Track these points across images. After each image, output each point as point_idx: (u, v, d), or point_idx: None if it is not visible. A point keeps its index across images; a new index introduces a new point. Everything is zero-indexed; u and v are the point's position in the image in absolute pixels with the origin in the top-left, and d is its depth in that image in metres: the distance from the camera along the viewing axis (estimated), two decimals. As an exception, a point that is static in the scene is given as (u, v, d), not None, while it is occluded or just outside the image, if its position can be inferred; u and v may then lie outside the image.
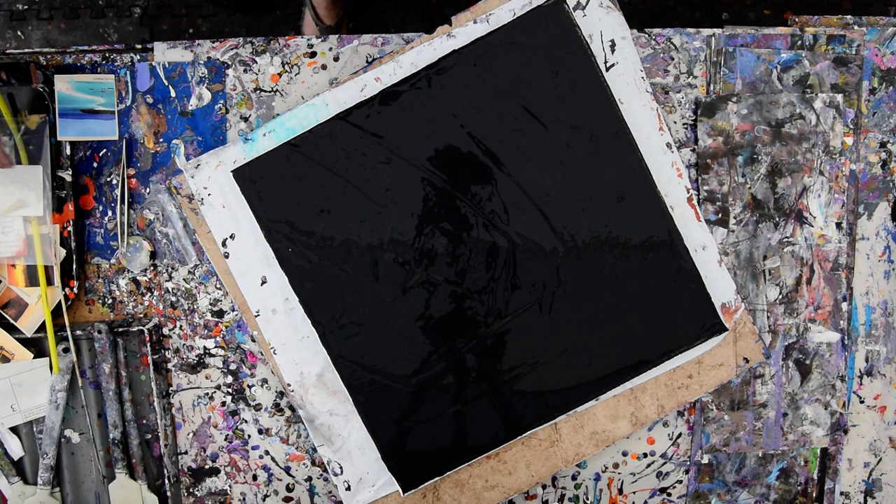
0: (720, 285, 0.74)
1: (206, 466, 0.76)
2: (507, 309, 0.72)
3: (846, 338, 0.77)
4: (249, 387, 0.75)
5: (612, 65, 0.72)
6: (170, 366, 0.75)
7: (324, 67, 0.74)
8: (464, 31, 0.72)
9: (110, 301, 0.75)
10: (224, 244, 0.72)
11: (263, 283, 0.72)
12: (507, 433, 0.73)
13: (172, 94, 0.73)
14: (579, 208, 0.72)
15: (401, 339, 0.72)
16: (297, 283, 0.72)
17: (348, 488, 0.74)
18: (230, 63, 0.73)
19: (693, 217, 0.73)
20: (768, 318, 0.76)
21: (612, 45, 0.72)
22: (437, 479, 0.74)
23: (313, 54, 0.73)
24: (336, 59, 0.74)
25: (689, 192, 0.73)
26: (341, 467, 0.74)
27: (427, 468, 0.73)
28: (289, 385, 0.73)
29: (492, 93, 0.71)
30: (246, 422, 0.76)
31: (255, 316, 0.73)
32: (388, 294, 0.72)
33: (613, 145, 0.71)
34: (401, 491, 0.74)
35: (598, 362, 0.73)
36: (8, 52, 0.73)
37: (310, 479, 0.77)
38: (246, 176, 0.71)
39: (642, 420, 0.75)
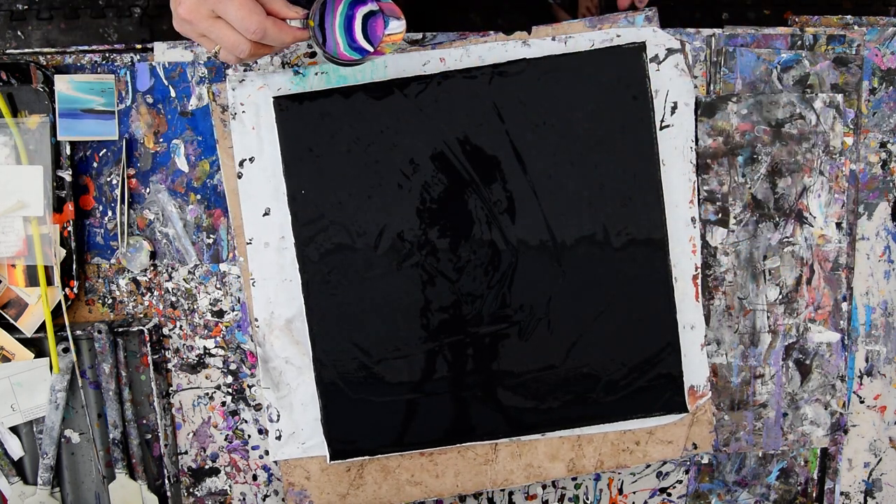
0: (696, 367, 0.75)
1: (206, 466, 0.76)
2: (492, 320, 0.72)
3: (846, 338, 0.77)
4: (249, 387, 0.75)
5: (668, 126, 0.73)
6: (170, 366, 0.75)
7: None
8: (539, 43, 0.72)
9: (110, 301, 0.75)
10: (241, 164, 0.72)
11: (266, 214, 0.72)
12: (454, 437, 0.73)
13: (172, 94, 0.73)
14: (590, 247, 0.72)
15: (380, 315, 0.72)
16: (299, 225, 0.71)
17: (279, 437, 0.74)
18: (230, 63, 0.73)
19: (692, 295, 0.74)
20: (768, 318, 0.76)
21: (674, 108, 0.73)
22: (367, 458, 0.74)
23: (313, 54, 0.73)
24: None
25: (696, 270, 0.74)
26: (279, 415, 0.74)
27: (362, 445, 0.73)
28: (256, 320, 0.73)
29: (544, 109, 0.71)
30: (246, 422, 0.76)
31: (247, 243, 0.73)
32: (382, 267, 0.72)
33: (643, 200, 0.71)
34: (328, 457, 0.73)
35: (558, 398, 0.73)
36: (8, 52, 0.73)
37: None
38: (286, 106, 0.70)
39: (578, 468, 0.75)
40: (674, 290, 0.73)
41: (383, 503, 0.75)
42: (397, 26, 0.61)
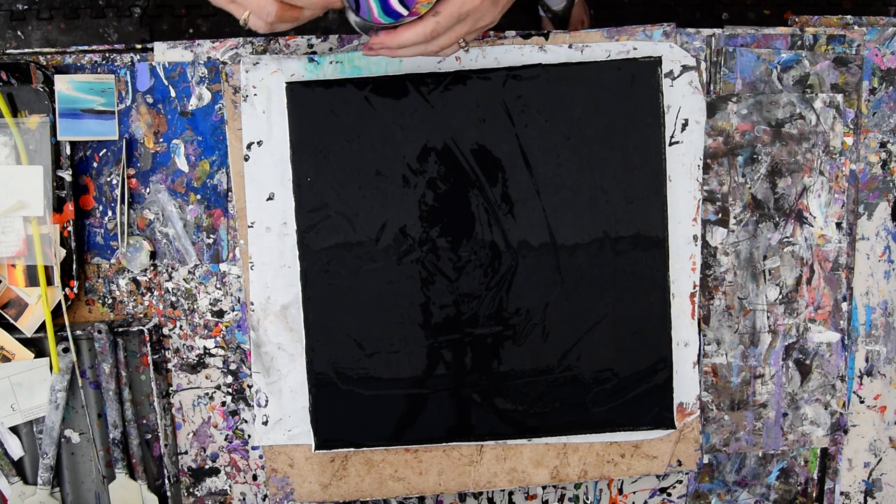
0: (687, 384, 0.75)
1: (206, 466, 0.76)
2: (488, 322, 0.72)
3: (846, 338, 0.77)
4: (249, 387, 0.75)
5: (677, 142, 0.73)
6: (170, 366, 0.75)
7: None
8: (556, 49, 0.72)
9: (110, 301, 0.75)
10: (249, 147, 0.72)
11: (270, 198, 0.72)
12: (442, 436, 0.73)
13: (172, 94, 0.73)
14: (590, 255, 0.72)
15: (377, 309, 0.72)
16: (302, 213, 0.71)
17: (265, 423, 0.74)
18: (230, 63, 0.73)
19: (689, 312, 0.74)
20: (768, 318, 0.76)
21: (685, 125, 0.73)
22: (352, 450, 0.74)
23: (314, 54, 0.73)
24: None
25: (694, 288, 0.74)
26: (267, 400, 0.74)
27: (348, 437, 0.73)
28: (252, 304, 0.73)
29: (555, 114, 0.71)
30: (246, 422, 0.76)
31: (249, 226, 0.73)
32: (382, 260, 0.72)
33: (646, 209, 0.72)
34: (313, 447, 0.73)
35: (547, 404, 0.73)
36: (8, 52, 0.73)
37: (310, 479, 0.76)
38: (299, 92, 0.70)
39: (562, 476, 0.75)
40: (670, 305, 0.73)
41: (365, 496, 0.75)
42: None
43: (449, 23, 0.56)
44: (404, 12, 0.58)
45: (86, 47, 0.74)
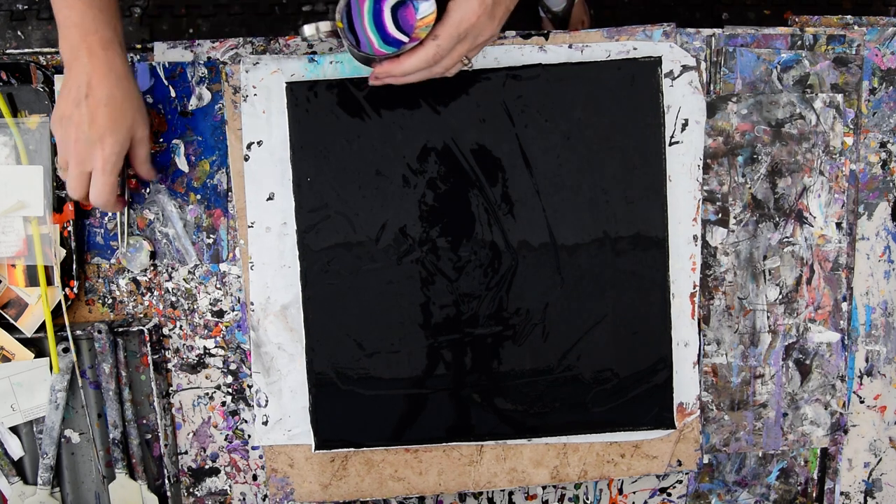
0: (687, 384, 0.75)
1: (206, 466, 0.76)
2: (488, 322, 0.72)
3: (846, 338, 0.77)
4: (249, 387, 0.75)
5: (677, 142, 0.73)
6: (170, 366, 0.75)
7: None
8: (556, 49, 0.72)
9: (110, 301, 0.75)
10: (248, 147, 0.72)
11: (270, 198, 0.73)
12: (442, 436, 0.73)
13: (172, 94, 0.73)
14: (590, 255, 0.72)
15: (377, 309, 0.72)
16: (302, 213, 0.71)
17: (265, 423, 0.74)
18: (230, 63, 0.73)
19: (689, 312, 0.74)
20: (768, 318, 0.76)
21: (685, 125, 0.73)
22: (352, 450, 0.74)
23: (314, 54, 0.73)
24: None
25: (695, 288, 0.74)
26: (267, 401, 0.74)
27: (348, 437, 0.73)
28: (252, 303, 0.73)
29: (554, 114, 0.71)
30: (246, 422, 0.76)
31: (249, 226, 0.73)
32: (382, 260, 0.72)
33: (646, 209, 0.72)
34: (313, 447, 0.73)
35: (547, 404, 0.73)
36: (8, 52, 0.73)
37: (310, 479, 0.76)
38: (299, 93, 0.71)
39: (562, 476, 0.75)
40: (670, 305, 0.73)
41: (365, 496, 0.75)
42: (427, 7, 0.58)
43: (449, 44, 0.57)
44: (404, 39, 0.58)
45: (86, 47, 0.74)
